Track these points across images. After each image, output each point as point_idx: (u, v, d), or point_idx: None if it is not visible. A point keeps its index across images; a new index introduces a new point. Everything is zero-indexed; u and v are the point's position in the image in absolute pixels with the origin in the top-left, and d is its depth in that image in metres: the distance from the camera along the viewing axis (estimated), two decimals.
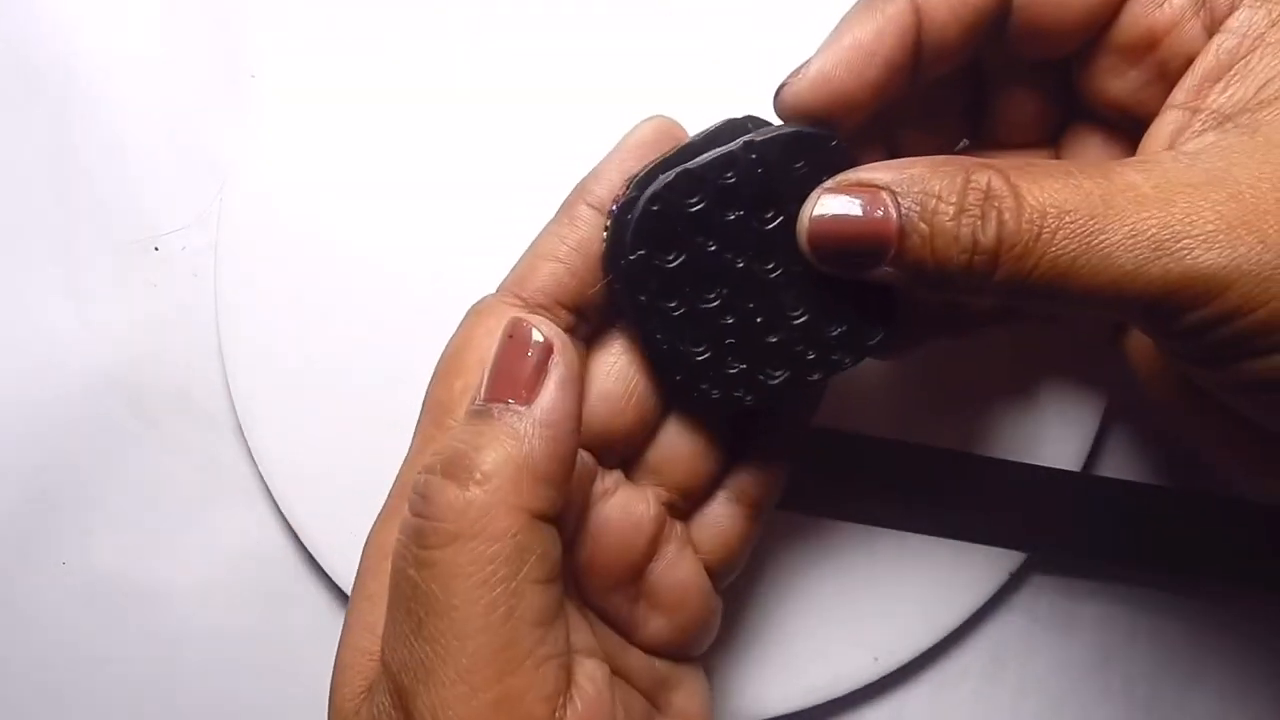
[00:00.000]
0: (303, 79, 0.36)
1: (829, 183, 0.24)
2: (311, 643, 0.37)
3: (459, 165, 0.36)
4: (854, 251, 0.23)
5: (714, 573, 0.28)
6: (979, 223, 0.22)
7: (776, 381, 0.26)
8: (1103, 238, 0.21)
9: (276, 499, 0.36)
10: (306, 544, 0.35)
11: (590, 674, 0.23)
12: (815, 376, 0.26)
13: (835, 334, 0.26)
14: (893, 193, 0.23)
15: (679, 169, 0.25)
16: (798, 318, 0.25)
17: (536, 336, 0.23)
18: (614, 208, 0.25)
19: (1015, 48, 0.26)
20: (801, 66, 0.25)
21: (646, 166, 0.26)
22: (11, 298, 0.37)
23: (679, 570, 0.27)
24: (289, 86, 0.36)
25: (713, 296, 0.25)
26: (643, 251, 0.25)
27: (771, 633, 0.35)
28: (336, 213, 0.36)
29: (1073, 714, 0.37)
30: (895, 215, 0.23)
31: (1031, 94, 0.28)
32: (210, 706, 0.37)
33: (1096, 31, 0.26)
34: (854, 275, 0.24)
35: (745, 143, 0.25)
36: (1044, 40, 0.26)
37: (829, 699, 0.35)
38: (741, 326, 0.25)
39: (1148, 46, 0.25)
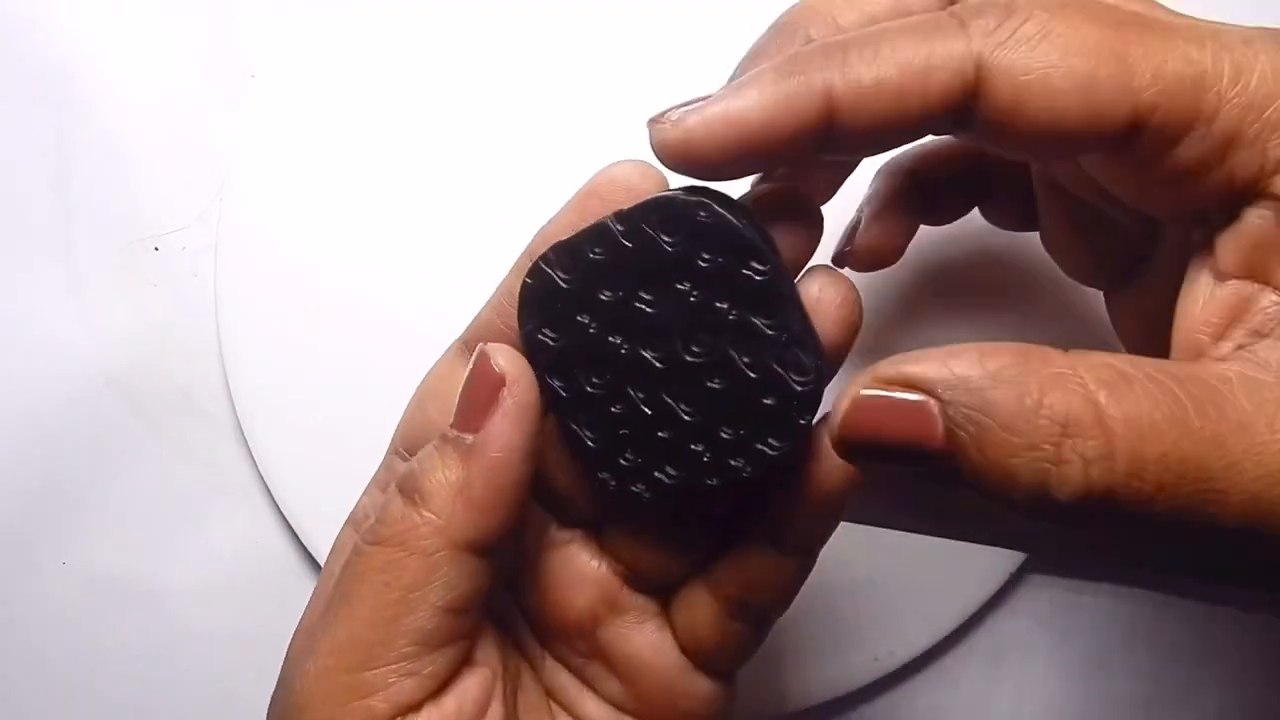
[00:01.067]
0: (303, 79, 0.36)
1: (864, 376, 0.19)
2: None
3: (459, 165, 0.36)
4: (887, 455, 0.19)
5: (697, 657, 0.26)
6: (1053, 470, 0.17)
7: (672, 481, 0.23)
8: (1219, 499, 0.17)
9: (276, 499, 0.36)
10: (306, 544, 0.35)
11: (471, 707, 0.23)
12: (713, 481, 0.23)
13: (729, 438, 0.22)
14: (939, 400, 0.18)
15: (556, 241, 0.23)
16: (688, 414, 0.22)
17: (495, 367, 0.23)
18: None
19: (990, 144, 0.21)
20: (683, 108, 0.22)
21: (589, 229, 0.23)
22: (12, 298, 0.37)
23: (633, 641, 0.25)
24: (289, 86, 0.36)
25: (598, 381, 0.23)
26: (529, 326, 0.23)
27: (772, 633, 0.35)
28: (336, 213, 0.36)
29: (1073, 714, 0.37)
30: (940, 428, 0.18)
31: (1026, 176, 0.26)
32: (210, 706, 0.37)
33: (1101, 145, 0.20)
34: (885, 470, 0.19)
35: (615, 214, 0.22)
36: (1028, 149, 0.21)
37: (829, 699, 0.35)
38: (631, 416, 0.23)
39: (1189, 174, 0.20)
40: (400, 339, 0.36)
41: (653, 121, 0.22)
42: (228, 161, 0.36)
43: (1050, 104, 0.19)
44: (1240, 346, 0.19)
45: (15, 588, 0.37)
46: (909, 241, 0.29)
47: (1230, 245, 0.20)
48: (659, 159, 0.22)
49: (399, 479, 0.23)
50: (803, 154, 0.21)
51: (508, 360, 0.23)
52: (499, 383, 0.22)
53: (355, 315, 0.36)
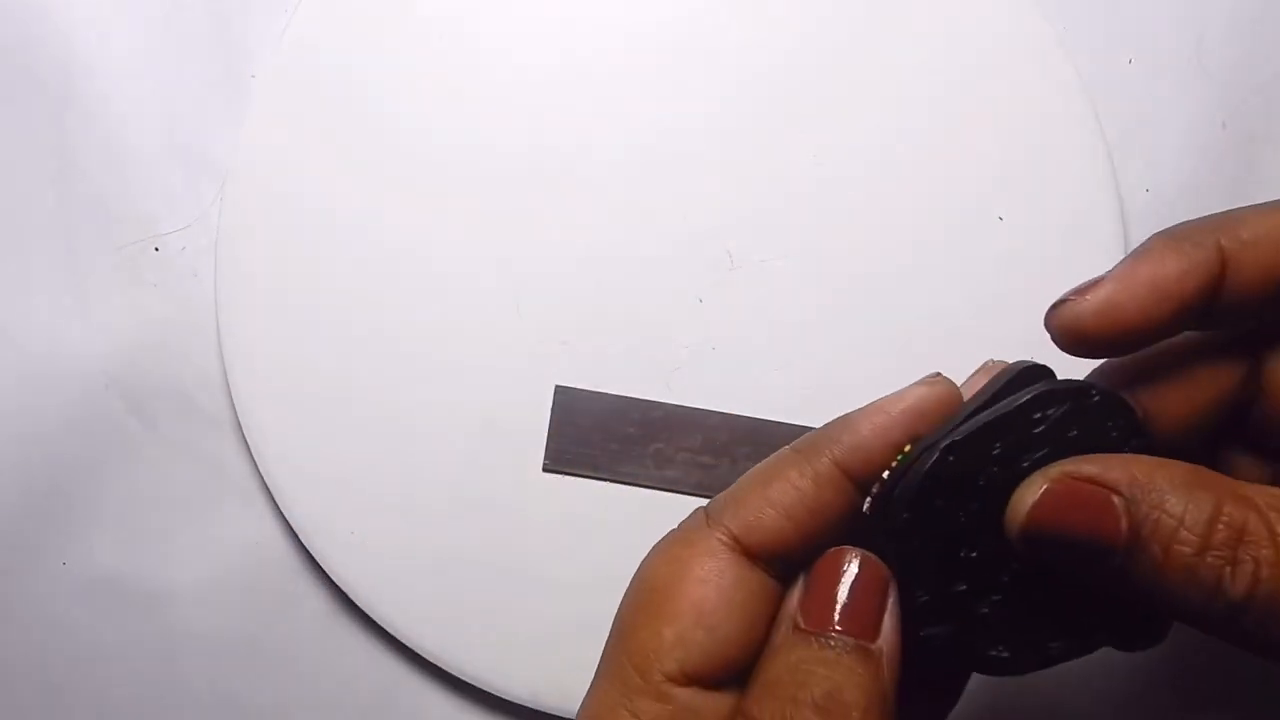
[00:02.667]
0: (303, 79, 0.36)
1: (1053, 470, 0.21)
2: (312, 643, 0.37)
3: (459, 165, 0.36)
4: (1068, 549, 0.20)
5: None
6: (1228, 569, 0.19)
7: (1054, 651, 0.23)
8: None
9: (276, 499, 0.36)
10: (306, 544, 0.35)
11: None
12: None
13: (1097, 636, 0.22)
14: (1124, 498, 0.20)
15: (949, 441, 0.22)
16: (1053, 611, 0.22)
17: (880, 569, 0.22)
18: (885, 476, 0.23)
19: None
20: (1086, 287, 0.23)
21: (926, 441, 0.22)
22: (12, 298, 0.37)
23: None
24: (289, 87, 0.36)
25: (962, 583, 0.22)
26: (907, 516, 0.22)
27: None
28: (336, 213, 0.36)
29: (1073, 714, 0.37)
30: (1125, 526, 0.20)
31: None
32: (210, 706, 0.37)
33: None
34: (1066, 572, 0.21)
35: (1020, 406, 0.22)
36: None
37: None
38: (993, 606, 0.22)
39: None
40: (400, 339, 0.36)
41: (1055, 306, 0.23)
42: (228, 161, 0.36)
43: None
44: None
45: (15, 588, 0.37)
46: (1158, 339, 0.24)
47: None
48: (1068, 333, 0.23)
49: (818, 698, 0.21)
50: (1191, 322, 0.23)
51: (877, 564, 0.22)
52: (887, 582, 0.22)
53: (355, 315, 0.36)
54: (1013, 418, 0.22)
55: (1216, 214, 0.23)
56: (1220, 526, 0.19)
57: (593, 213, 0.36)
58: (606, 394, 0.36)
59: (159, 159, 0.37)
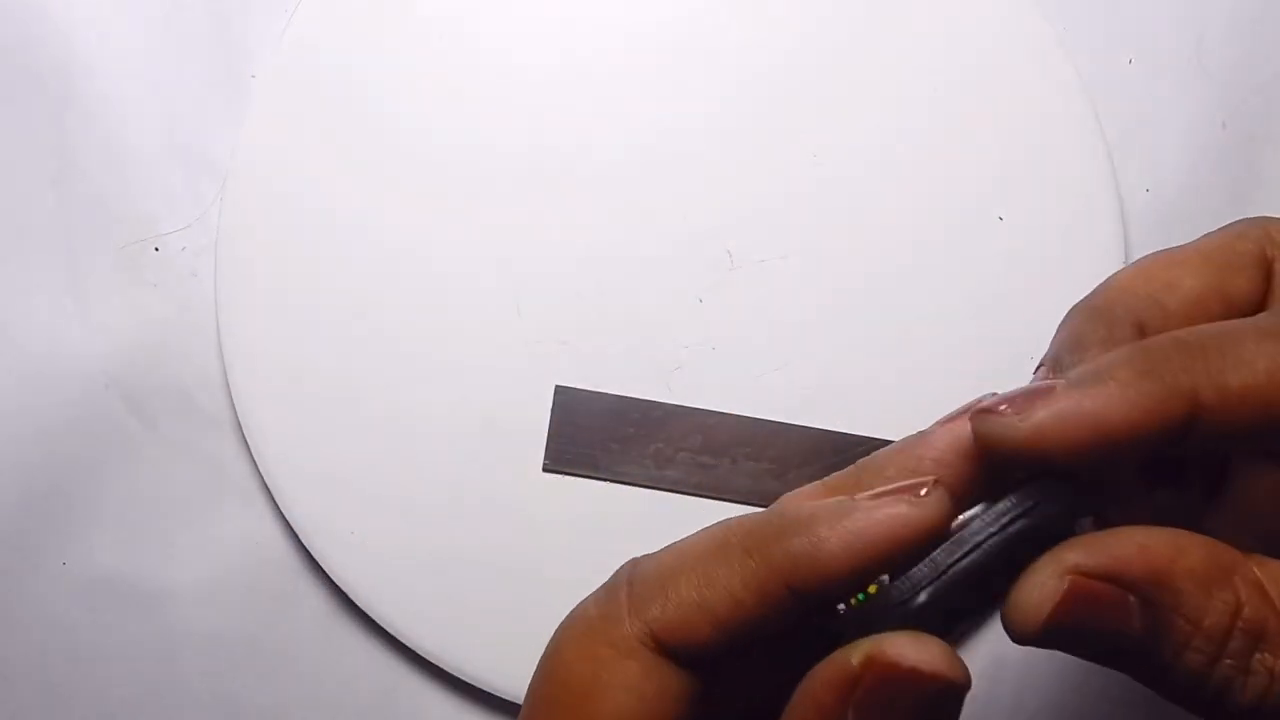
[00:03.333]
0: (303, 79, 0.36)
1: (1067, 561, 0.18)
2: (312, 643, 0.37)
3: (459, 165, 0.36)
4: (1083, 644, 0.19)
5: None
6: (1241, 678, 0.18)
7: None
8: None
9: (276, 499, 0.36)
10: (306, 544, 0.35)
11: None
12: None
13: None
14: (1139, 599, 0.18)
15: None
16: None
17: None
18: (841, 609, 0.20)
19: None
20: (1021, 402, 0.19)
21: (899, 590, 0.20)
22: (12, 298, 0.37)
23: None
24: (289, 87, 0.36)
25: None
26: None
27: None
28: (336, 213, 0.36)
29: (1073, 714, 0.37)
30: (1139, 627, 0.18)
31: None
32: (210, 706, 0.37)
33: None
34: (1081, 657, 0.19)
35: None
36: None
37: None
38: None
39: None
40: (400, 338, 0.36)
41: (985, 412, 0.20)
42: (228, 161, 0.36)
43: None
44: None
45: (15, 588, 0.37)
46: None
47: None
48: (991, 447, 0.20)
49: None
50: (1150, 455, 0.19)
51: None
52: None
53: (355, 315, 0.36)
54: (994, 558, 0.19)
55: (1215, 331, 0.19)
56: (1237, 632, 0.18)
57: (593, 212, 0.36)
58: (606, 394, 0.36)
59: (159, 159, 0.37)
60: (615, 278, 0.36)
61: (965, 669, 0.19)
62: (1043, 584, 0.18)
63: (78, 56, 0.37)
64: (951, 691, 0.18)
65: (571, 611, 0.22)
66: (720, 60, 0.36)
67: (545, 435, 0.35)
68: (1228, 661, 0.18)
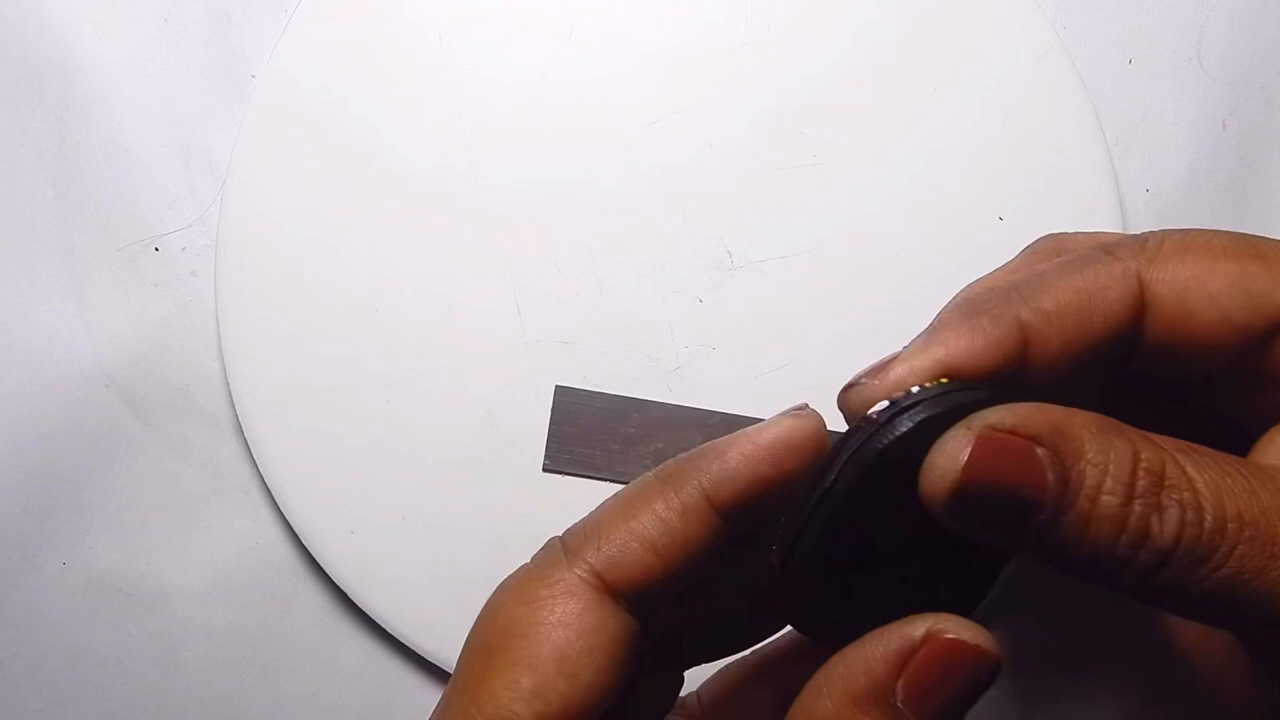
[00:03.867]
0: (303, 79, 0.36)
1: (974, 422, 0.19)
2: (312, 643, 0.37)
3: (459, 165, 0.36)
4: (998, 511, 0.19)
5: None
6: (1155, 515, 0.18)
7: None
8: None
9: (276, 499, 0.36)
10: (306, 544, 0.35)
11: None
12: None
13: (941, 595, 0.21)
14: (1047, 449, 0.19)
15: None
16: (911, 576, 0.21)
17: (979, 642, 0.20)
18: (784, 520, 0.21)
19: (1160, 364, 0.22)
20: (877, 368, 0.21)
21: (810, 481, 0.21)
22: (12, 298, 0.37)
23: None
24: (290, 87, 0.36)
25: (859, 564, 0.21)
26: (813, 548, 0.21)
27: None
28: (336, 213, 0.36)
29: (1073, 714, 0.37)
30: (1051, 478, 0.18)
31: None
32: (210, 707, 0.37)
33: (1241, 357, 0.21)
34: (982, 538, 0.20)
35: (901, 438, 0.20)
36: (1198, 357, 0.21)
37: None
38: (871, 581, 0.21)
39: None
40: (400, 338, 0.36)
41: (847, 388, 0.22)
42: (228, 161, 0.36)
43: (1212, 303, 0.21)
44: None
45: (15, 588, 0.37)
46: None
47: None
48: (858, 414, 0.21)
49: None
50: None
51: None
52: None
53: (355, 315, 0.36)
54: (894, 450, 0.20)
55: (1022, 276, 0.21)
56: (1141, 473, 0.18)
57: (593, 213, 0.36)
58: (606, 394, 0.36)
59: (159, 159, 0.37)
60: (615, 278, 0.36)
61: (1000, 649, 0.20)
62: (955, 439, 0.19)
63: (78, 56, 0.37)
64: (996, 669, 0.19)
65: (507, 579, 0.22)
66: (720, 61, 0.36)
67: (545, 435, 0.35)
68: (1141, 500, 0.18)
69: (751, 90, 0.36)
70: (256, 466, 0.36)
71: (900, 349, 0.21)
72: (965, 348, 0.20)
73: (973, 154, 0.36)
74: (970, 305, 0.21)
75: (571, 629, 0.21)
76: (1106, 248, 0.22)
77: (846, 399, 0.22)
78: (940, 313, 0.22)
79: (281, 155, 0.36)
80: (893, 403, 0.20)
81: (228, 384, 0.36)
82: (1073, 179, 0.36)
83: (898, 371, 0.21)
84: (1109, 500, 0.18)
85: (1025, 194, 0.36)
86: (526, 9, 0.36)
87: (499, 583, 0.23)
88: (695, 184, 0.36)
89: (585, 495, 0.35)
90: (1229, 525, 0.18)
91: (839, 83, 0.36)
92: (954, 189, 0.36)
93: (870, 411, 0.20)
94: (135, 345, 0.37)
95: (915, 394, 0.20)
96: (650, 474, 0.22)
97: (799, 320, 0.36)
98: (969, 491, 0.19)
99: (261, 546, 0.37)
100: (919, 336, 0.21)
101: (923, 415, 0.20)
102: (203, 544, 0.37)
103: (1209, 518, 0.18)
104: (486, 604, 0.22)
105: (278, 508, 0.36)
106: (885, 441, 0.20)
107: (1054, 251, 0.23)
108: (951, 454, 0.19)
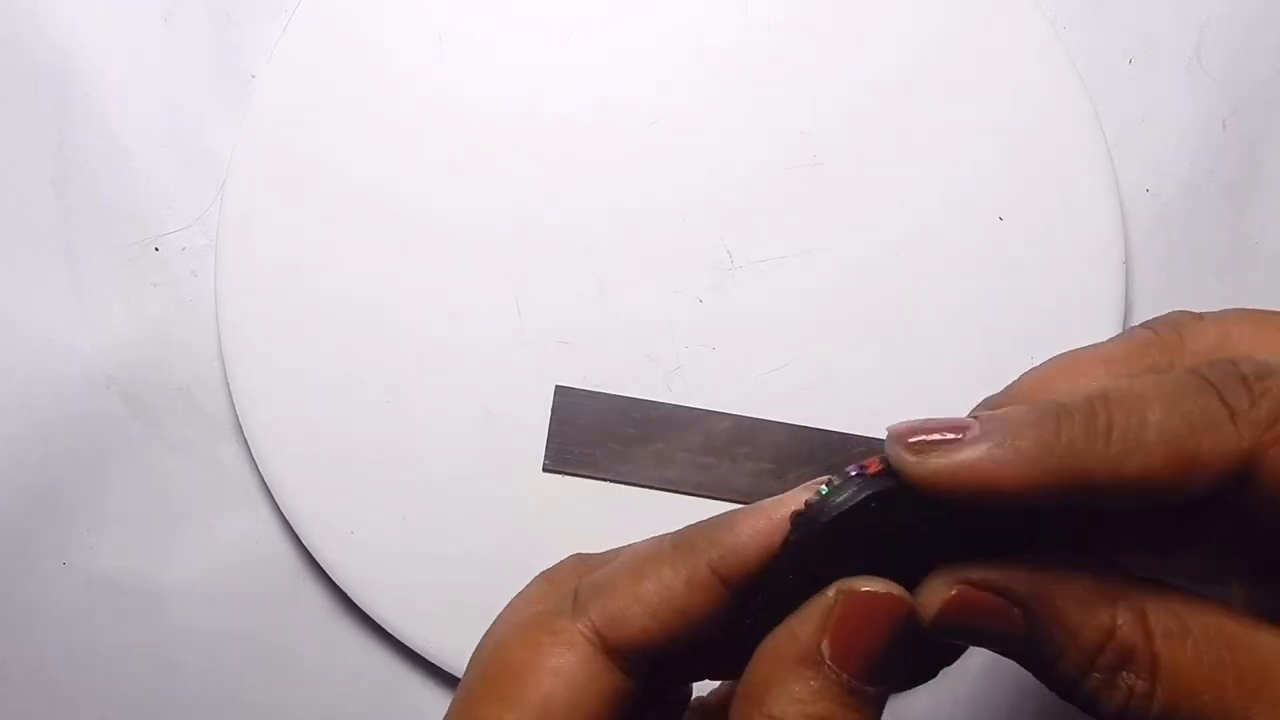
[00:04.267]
0: (303, 79, 0.36)
1: (957, 574, 0.20)
2: (312, 643, 0.37)
3: (459, 165, 0.36)
4: (971, 638, 0.21)
5: None
6: (1106, 690, 0.20)
7: None
8: None
9: (276, 499, 0.36)
10: (306, 544, 0.35)
11: None
12: None
13: None
14: (1024, 611, 0.20)
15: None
16: None
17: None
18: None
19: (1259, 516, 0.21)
20: (938, 435, 0.20)
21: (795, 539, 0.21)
22: (12, 298, 0.37)
23: None
24: (289, 86, 0.36)
25: None
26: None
27: None
28: (336, 213, 0.36)
29: (1072, 714, 0.37)
30: (1023, 630, 0.20)
31: None
32: (210, 706, 0.37)
33: None
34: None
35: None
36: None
37: None
38: None
39: None
40: (400, 338, 0.36)
41: (905, 441, 0.20)
42: (228, 161, 0.36)
43: None
44: None
45: (15, 588, 0.37)
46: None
47: None
48: (908, 474, 0.20)
49: None
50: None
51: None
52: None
53: (355, 315, 0.36)
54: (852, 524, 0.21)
55: (1114, 402, 0.20)
56: (1108, 651, 0.20)
57: (593, 213, 0.36)
58: (606, 394, 0.36)
59: (159, 159, 0.37)
60: (615, 278, 0.36)
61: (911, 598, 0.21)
62: (934, 588, 0.21)
63: (78, 56, 0.37)
64: (912, 618, 0.21)
65: (513, 600, 0.24)
66: (720, 60, 0.36)
67: (545, 435, 0.35)
68: (1096, 674, 0.20)
69: (752, 90, 0.36)
70: (256, 466, 0.36)
71: (962, 418, 0.21)
72: (1012, 481, 0.19)
73: (973, 154, 0.36)
74: (1053, 422, 0.20)
75: (562, 679, 0.22)
76: (1228, 399, 0.19)
77: (889, 454, 0.21)
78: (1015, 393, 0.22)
79: (281, 155, 0.36)
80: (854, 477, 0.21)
81: (228, 384, 0.36)
82: (1073, 179, 0.36)
83: (936, 464, 0.20)
84: (1068, 665, 0.20)
85: (1025, 194, 0.36)
86: (527, 9, 0.36)
87: (511, 598, 0.24)
88: (695, 184, 0.36)
89: (585, 495, 0.35)
90: (1179, 710, 0.19)
91: (839, 83, 0.36)
92: (954, 189, 0.36)
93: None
94: (135, 345, 0.37)
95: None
96: (668, 537, 0.23)
97: (799, 320, 0.36)
98: (945, 629, 0.21)
99: (261, 546, 0.37)
100: (989, 419, 0.20)
101: (867, 491, 0.21)
102: (203, 544, 0.37)
103: (1157, 706, 0.19)
104: (494, 633, 0.23)
105: (278, 508, 0.36)
106: (832, 515, 0.21)
107: (1164, 354, 0.22)
108: (928, 602, 0.20)
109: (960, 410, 0.22)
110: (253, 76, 0.37)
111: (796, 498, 0.22)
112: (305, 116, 0.36)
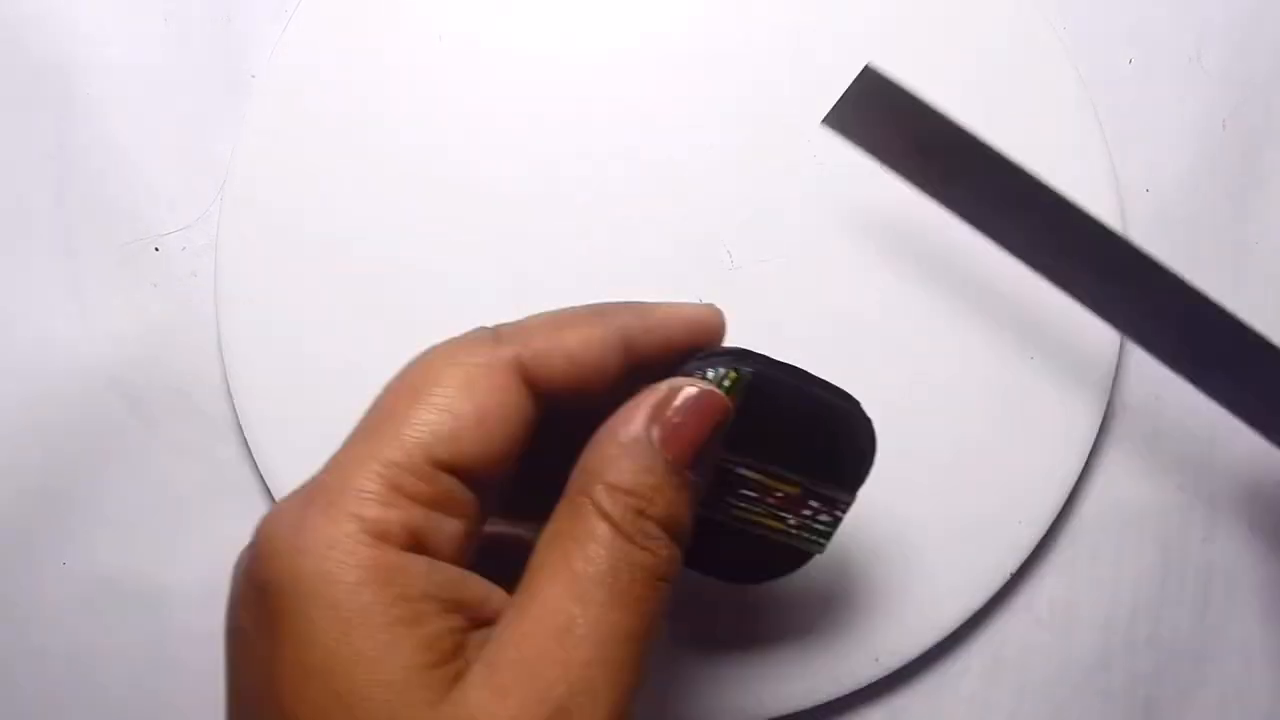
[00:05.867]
0: (303, 79, 0.36)
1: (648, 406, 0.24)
2: None
3: (459, 165, 0.36)
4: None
5: None
6: None
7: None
8: None
9: (276, 499, 0.36)
10: None
11: None
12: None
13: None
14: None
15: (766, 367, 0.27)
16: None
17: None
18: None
19: None
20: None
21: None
22: (12, 298, 0.37)
23: None
24: (289, 87, 0.36)
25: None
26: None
27: (772, 633, 0.35)
28: (336, 213, 0.36)
29: (1073, 715, 0.37)
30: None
31: None
32: (210, 706, 0.37)
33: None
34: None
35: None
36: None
37: (829, 699, 0.35)
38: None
39: None
40: (401, 338, 0.35)
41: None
42: (228, 161, 0.36)
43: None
44: None
45: (15, 588, 0.37)
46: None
47: None
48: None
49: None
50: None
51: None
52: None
53: (356, 315, 0.36)
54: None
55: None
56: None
57: (593, 213, 0.36)
58: None
59: (159, 159, 0.37)
60: (615, 278, 0.36)
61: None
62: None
63: (78, 56, 0.37)
64: (728, 412, 0.24)
65: (435, 346, 0.25)
66: (721, 60, 0.36)
67: None
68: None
69: (752, 90, 0.36)
70: (256, 466, 0.36)
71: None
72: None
73: None
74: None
75: (494, 398, 0.24)
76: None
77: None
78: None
79: (281, 155, 0.36)
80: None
81: (228, 384, 0.36)
82: (1073, 179, 0.36)
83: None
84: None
85: None
86: (527, 9, 0.36)
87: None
88: (695, 184, 0.36)
89: None
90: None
91: (839, 82, 0.36)
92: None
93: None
94: (135, 345, 0.37)
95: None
96: (584, 305, 0.26)
97: (799, 320, 0.36)
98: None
99: None
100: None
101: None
102: (202, 544, 0.37)
103: None
104: (414, 362, 0.25)
105: None
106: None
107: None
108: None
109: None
110: (253, 77, 0.37)
111: (699, 307, 0.27)
112: (305, 116, 0.36)
